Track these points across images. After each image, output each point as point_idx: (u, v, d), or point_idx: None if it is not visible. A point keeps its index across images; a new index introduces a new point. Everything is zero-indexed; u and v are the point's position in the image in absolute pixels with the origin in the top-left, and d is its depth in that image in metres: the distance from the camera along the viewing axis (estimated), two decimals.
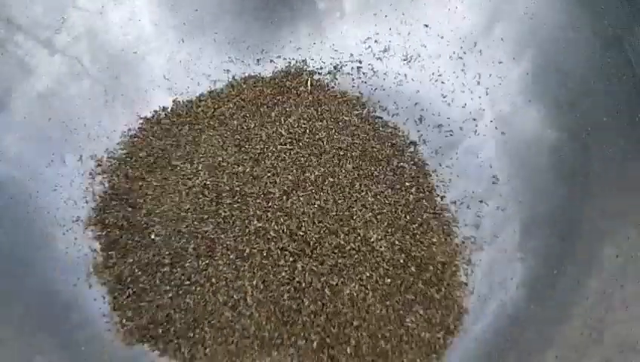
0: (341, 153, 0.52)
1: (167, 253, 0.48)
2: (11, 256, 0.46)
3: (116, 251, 0.49)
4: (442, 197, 0.50)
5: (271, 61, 0.57)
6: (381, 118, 0.54)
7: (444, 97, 0.53)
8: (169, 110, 0.56)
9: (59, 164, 0.51)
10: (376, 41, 0.56)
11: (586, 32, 0.46)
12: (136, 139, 0.54)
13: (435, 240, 0.47)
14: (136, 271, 0.48)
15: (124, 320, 0.46)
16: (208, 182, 0.51)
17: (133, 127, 0.54)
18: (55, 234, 0.48)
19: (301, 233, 0.47)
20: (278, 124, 0.54)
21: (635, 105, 0.43)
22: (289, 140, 0.53)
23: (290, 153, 0.52)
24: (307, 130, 0.53)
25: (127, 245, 0.49)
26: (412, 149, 0.53)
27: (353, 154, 0.52)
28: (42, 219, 0.48)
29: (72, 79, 0.53)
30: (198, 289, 0.46)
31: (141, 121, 0.55)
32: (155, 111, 0.55)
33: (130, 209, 0.51)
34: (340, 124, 0.54)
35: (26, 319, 0.44)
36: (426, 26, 0.55)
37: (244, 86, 0.56)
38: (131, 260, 0.48)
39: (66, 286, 0.47)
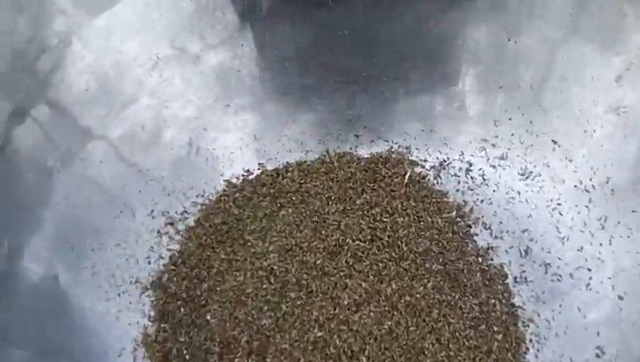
0: (419, 261, 0.46)
1: (218, 339, 0.44)
2: (68, 310, 0.44)
3: (169, 324, 0.46)
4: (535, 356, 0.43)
5: (371, 141, 0.51)
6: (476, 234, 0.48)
7: (560, 232, 0.46)
8: (254, 176, 0.51)
9: (128, 217, 0.48)
10: (493, 145, 0.49)
11: None
12: (214, 202, 0.51)
13: None
14: (185, 352, 0.45)
15: None
16: (276, 267, 0.47)
17: (213, 188, 0.51)
18: (110, 294, 0.46)
19: (363, 358, 0.42)
20: (360, 213, 0.49)
21: None
22: (369, 237, 0.47)
23: (368, 253, 0.47)
24: (388, 226, 0.48)
25: (181, 321, 0.46)
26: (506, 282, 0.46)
27: (434, 267, 0.46)
28: (100, 275, 0.46)
29: (157, 124, 0.50)
30: None
31: (223, 184, 0.51)
32: (240, 175, 0.51)
33: (193, 280, 0.48)
34: (422, 224, 0.48)
35: None
36: (554, 142, 0.47)
37: (337, 164, 0.51)
38: (182, 339, 0.45)
39: (109, 355, 0.44)
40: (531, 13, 0.48)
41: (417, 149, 0.51)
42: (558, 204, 0.46)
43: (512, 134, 0.48)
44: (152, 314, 0.47)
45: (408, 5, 0.50)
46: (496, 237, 0.47)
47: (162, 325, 0.46)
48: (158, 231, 0.49)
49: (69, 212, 0.46)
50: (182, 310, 0.46)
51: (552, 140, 0.47)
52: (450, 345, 0.43)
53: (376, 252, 0.47)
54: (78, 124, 0.46)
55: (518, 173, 0.48)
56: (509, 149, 0.48)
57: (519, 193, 0.47)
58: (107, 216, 0.48)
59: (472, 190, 0.49)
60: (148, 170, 0.49)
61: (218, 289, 0.47)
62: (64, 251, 0.45)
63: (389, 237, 0.47)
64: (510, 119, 0.48)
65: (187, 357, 0.45)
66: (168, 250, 0.49)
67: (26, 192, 0.44)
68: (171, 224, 0.50)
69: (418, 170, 0.50)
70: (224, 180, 0.51)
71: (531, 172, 0.47)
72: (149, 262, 0.48)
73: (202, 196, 0.51)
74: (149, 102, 0.49)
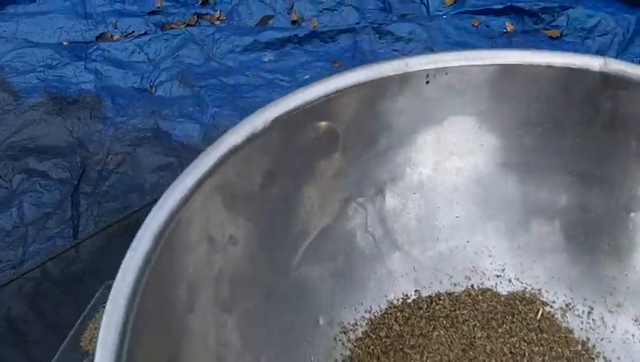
0: None
1: None
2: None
3: None
4: None
5: (509, 281, 0.64)
6: None
7: None
8: (411, 300, 0.64)
9: (313, 326, 0.60)
10: (611, 294, 0.61)
11: None
12: (379, 318, 0.62)
13: None
14: None
15: None
16: None
17: (378, 306, 0.63)
18: None
19: None
20: (502, 341, 0.60)
21: None
22: (510, 361, 0.59)
23: None
24: (526, 353, 0.59)
25: None
26: None
27: None
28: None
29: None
30: None
31: (387, 304, 0.63)
32: (400, 298, 0.64)
33: None
34: (554, 353, 0.59)
35: None
36: None
37: (480, 297, 0.63)
38: None
39: None
40: None
41: (547, 291, 0.63)
42: None
43: (628, 287, 0.61)
44: None
45: None
46: None
47: None
48: (335, 338, 0.61)
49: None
50: None
51: None
52: None
53: None
54: None
55: (632, 319, 0.60)
56: (624, 300, 0.60)
57: (633, 335, 0.59)
58: (303, 325, 0.59)
59: (592, 329, 0.60)
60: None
61: None
62: None
63: (527, 361, 0.59)
64: (626, 275, 0.61)
65: None
66: (342, 354, 0.60)
67: None
68: (344, 332, 0.61)
69: (547, 309, 0.63)
70: (387, 300, 0.63)
71: None
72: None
73: (369, 312, 0.62)
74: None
